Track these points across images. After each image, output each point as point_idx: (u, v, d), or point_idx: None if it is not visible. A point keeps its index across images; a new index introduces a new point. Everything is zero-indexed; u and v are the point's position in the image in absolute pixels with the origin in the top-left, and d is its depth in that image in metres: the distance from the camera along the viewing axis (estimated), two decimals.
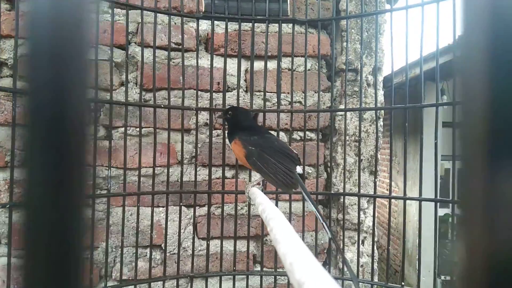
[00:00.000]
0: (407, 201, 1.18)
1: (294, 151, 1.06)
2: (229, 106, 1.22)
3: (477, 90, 0.14)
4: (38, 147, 0.17)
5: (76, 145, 0.17)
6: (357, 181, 1.33)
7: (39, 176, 0.17)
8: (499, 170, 0.13)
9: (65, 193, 0.17)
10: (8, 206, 0.94)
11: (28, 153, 0.17)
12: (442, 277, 3.71)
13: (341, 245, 1.35)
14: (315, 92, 1.45)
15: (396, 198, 1.22)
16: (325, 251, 1.46)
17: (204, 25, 1.40)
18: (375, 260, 1.25)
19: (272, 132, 1.21)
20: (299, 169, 1.04)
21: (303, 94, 1.34)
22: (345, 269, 1.36)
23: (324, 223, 0.99)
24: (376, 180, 1.25)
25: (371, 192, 1.41)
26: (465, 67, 0.15)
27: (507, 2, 0.14)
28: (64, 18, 0.17)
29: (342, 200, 1.39)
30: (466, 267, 0.14)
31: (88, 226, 0.18)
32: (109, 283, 1.21)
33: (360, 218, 1.27)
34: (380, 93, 1.45)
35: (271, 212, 0.52)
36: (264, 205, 0.61)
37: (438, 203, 1.12)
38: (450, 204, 1.12)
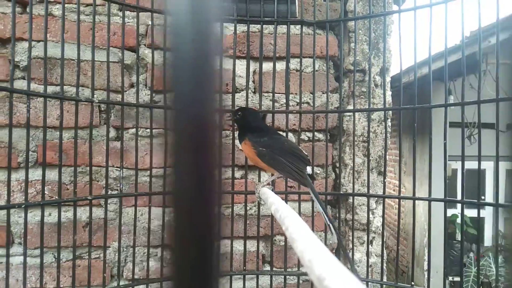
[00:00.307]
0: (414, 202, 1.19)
1: (304, 151, 1.07)
2: (238, 107, 1.23)
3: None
4: (184, 151, 0.19)
5: (214, 147, 0.19)
6: (366, 181, 1.33)
7: (185, 176, 0.18)
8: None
9: (206, 190, 0.19)
10: (23, 206, 0.96)
11: (176, 157, 0.19)
12: (450, 278, 3.70)
13: (350, 245, 1.36)
14: (323, 93, 1.46)
15: (405, 198, 1.22)
16: (334, 251, 1.47)
17: None
18: (384, 260, 1.26)
19: (281, 133, 1.22)
20: (308, 170, 1.05)
21: (311, 95, 1.35)
22: (356, 268, 1.37)
23: (330, 225, 1.00)
24: (385, 180, 1.25)
25: (380, 193, 1.41)
26: None
27: None
28: (202, 31, 0.19)
29: (350, 200, 1.40)
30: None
31: (223, 219, 0.20)
32: (121, 282, 1.22)
33: (369, 219, 1.28)
34: (388, 93, 1.46)
35: (285, 211, 0.53)
36: (277, 205, 0.62)
37: (447, 204, 1.12)
38: (459, 205, 1.12)
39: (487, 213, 4.25)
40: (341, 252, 1.45)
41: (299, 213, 1.28)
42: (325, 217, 1.00)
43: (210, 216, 0.19)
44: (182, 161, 0.19)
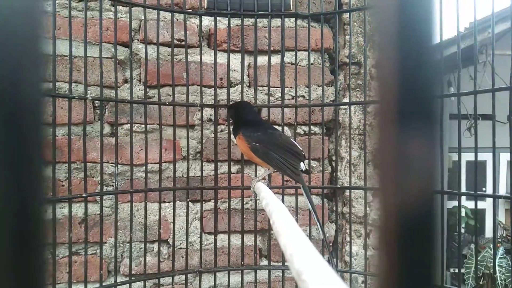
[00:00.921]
0: None
1: (299, 146, 1.07)
2: (233, 102, 1.23)
3: (390, 67, 0.17)
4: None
5: (32, 142, 0.17)
6: (362, 174, 1.33)
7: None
8: (406, 132, 0.16)
9: (22, 193, 0.17)
10: None
11: None
12: (451, 270, 3.70)
13: (347, 239, 1.35)
14: (319, 86, 1.45)
15: None
16: (331, 244, 1.47)
17: (207, 21, 1.41)
18: None
19: (276, 127, 1.22)
20: (302, 166, 1.05)
21: (307, 88, 1.34)
22: (353, 262, 1.37)
23: (318, 223, 1.01)
24: None
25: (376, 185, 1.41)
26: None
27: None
28: (13, 10, 0.17)
29: (347, 193, 1.39)
30: (382, 220, 0.16)
31: (47, 227, 0.18)
32: (118, 278, 1.22)
33: (366, 211, 1.27)
34: None
35: (274, 206, 0.53)
36: (268, 199, 0.62)
37: (445, 196, 1.12)
38: (458, 196, 1.12)
39: (487, 204, 4.25)
40: (339, 245, 1.45)
41: (296, 207, 1.28)
42: (315, 215, 1.01)
43: (28, 228, 0.17)
44: None
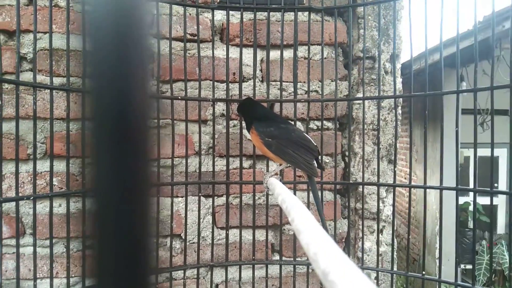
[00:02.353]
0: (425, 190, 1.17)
1: (313, 141, 1.06)
2: (244, 97, 1.22)
3: None
4: (105, 142, 0.17)
5: (140, 138, 0.17)
6: (375, 170, 1.32)
7: (107, 170, 0.17)
8: None
9: (133, 184, 0.17)
10: (32, 198, 0.96)
11: (95, 148, 0.17)
12: (462, 266, 3.68)
13: (360, 234, 1.35)
14: (332, 81, 1.43)
15: (416, 187, 1.20)
16: (344, 240, 1.46)
17: (219, 15, 1.40)
18: (394, 249, 1.25)
19: (290, 122, 1.21)
20: (314, 162, 1.04)
21: (320, 83, 1.33)
22: (365, 258, 1.36)
23: (322, 221, 1.01)
24: (395, 169, 1.23)
25: (390, 181, 1.39)
26: None
27: None
28: (125, 14, 0.17)
29: (360, 189, 1.38)
30: None
31: (154, 215, 0.19)
32: None
33: (379, 207, 1.26)
34: (399, 80, 1.43)
35: (291, 202, 0.52)
36: (284, 195, 0.61)
37: (458, 192, 1.10)
38: (471, 193, 1.10)
39: (500, 200, 4.20)
40: (351, 241, 1.44)
41: (308, 203, 1.27)
42: (321, 217, 1.01)
43: (136, 214, 0.18)
44: (105, 154, 0.17)
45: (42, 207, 1.27)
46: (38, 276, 1.25)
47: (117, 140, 0.17)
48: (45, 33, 1.29)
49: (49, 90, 1.02)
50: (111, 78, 0.17)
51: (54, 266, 1.26)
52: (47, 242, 1.28)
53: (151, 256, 0.19)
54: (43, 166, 1.29)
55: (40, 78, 1.28)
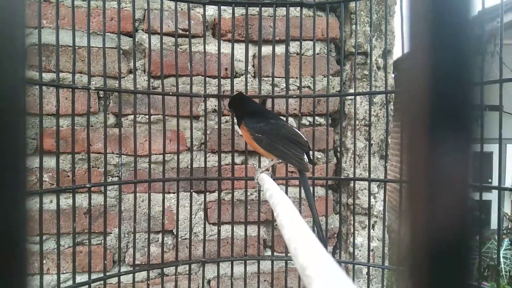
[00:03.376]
0: None
1: (304, 136, 1.06)
2: (235, 93, 1.22)
3: (421, 80, 0.14)
4: None
5: (12, 134, 0.16)
6: (367, 165, 1.32)
7: None
8: (439, 144, 0.13)
9: (5, 185, 0.16)
10: None
11: None
12: None
13: (352, 230, 1.35)
14: (324, 77, 1.43)
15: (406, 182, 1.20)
16: (335, 235, 1.47)
17: (211, 10, 1.39)
18: (386, 245, 1.25)
19: (281, 117, 1.21)
20: (306, 157, 1.04)
21: (312, 78, 1.33)
22: (356, 253, 1.37)
23: (313, 217, 1.01)
24: (386, 164, 1.24)
25: (382, 177, 1.40)
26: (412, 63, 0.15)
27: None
28: None
29: (352, 185, 1.39)
30: (411, 242, 0.14)
31: (28, 220, 0.17)
32: (123, 268, 1.23)
33: (371, 203, 1.27)
34: (391, 76, 1.43)
35: (278, 198, 0.52)
36: (272, 191, 0.61)
37: None
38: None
39: (493, 196, 4.23)
40: (343, 237, 1.45)
41: (300, 198, 1.28)
42: (313, 212, 1.01)
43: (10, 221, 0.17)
44: None
45: (33, 203, 1.27)
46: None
47: None
48: (35, 28, 1.28)
49: (38, 86, 1.01)
50: None
51: (45, 262, 1.26)
52: (38, 239, 1.27)
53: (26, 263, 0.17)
54: (33, 162, 1.28)
55: (30, 74, 1.27)
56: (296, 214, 0.42)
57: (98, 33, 1.31)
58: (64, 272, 1.27)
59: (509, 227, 4.09)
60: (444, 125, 0.13)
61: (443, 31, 0.14)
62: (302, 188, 1.27)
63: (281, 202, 0.49)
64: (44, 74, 1.18)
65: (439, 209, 0.13)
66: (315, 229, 1.05)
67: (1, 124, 0.16)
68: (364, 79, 1.42)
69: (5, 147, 0.16)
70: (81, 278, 1.18)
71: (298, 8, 1.34)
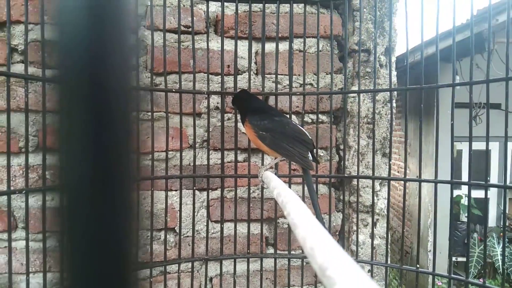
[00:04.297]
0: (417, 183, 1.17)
1: (308, 134, 1.05)
2: (239, 90, 1.21)
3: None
4: (77, 135, 0.16)
5: (120, 132, 0.17)
6: (370, 163, 1.32)
7: (81, 164, 0.17)
8: None
9: (111, 180, 0.17)
10: (24, 192, 0.95)
11: (66, 141, 0.17)
12: (454, 258, 3.72)
13: (354, 228, 1.35)
14: (327, 74, 1.43)
15: (411, 180, 1.20)
16: (338, 233, 1.46)
17: (214, 7, 1.38)
18: (388, 242, 1.25)
19: (284, 114, 1.20)
20: (310, 155, 1.04)
21: (315, 76, 1.32)
22: (359, 251, 1.37)
23: (316, 214, 1.01)
24: (390, 162, 1.23)
25: (384, 174, 1.40)
26: None
27: None
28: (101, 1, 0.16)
29: (354, 182, 1.38)
30: None
31: (134, 212, 0.18)
32: None
33: (374, 201, 1.26)
34: (394, 73, 1.43)
35: (287, 196, 0.52)
36: (279, 189, 0.61)
37: (453, 186, 1.10)
38: (463, 186, 1.11)
39: (491, 194, 4.24)
40: (345, 234, 1.45)
41: (303, 196, 1.27)
42: (316, 210, 1.00)
43: (116, 210, 0.17)
44: (77, 147, 0.16)
45: (35, 200, 1.26)
46: (30, 271, 1.24)
47: (91, 132, 0.17)
48: (36, 24, 1.27)
49: (41, 82, 1.00)
50: (84, 68, 0.17)
51: (47, 260, 1.25)
52: (40, 236, 1.27)
53: (133, 255, 0.18)
54: (35, 159, 1.27)
55: (32, 70, 1.26)
56: (308, 212, 0.42)
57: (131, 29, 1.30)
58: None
59: (507, 224, 4.11)
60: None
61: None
62: (305, 186, 1.27)
63: (291, 200, 0.48)
64: (46, 71, 1.17)
65: None
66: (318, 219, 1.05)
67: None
68: (366, 77, 1.42)
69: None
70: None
71: (302, 5, 1.33)
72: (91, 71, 0.16)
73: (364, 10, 1.41)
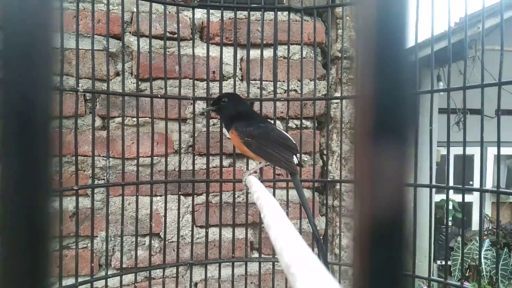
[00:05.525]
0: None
1: (292, 139, 1.07)
2: (223, 93, 1.22)
3: (367, 86, 0.17)
4: (10, 140, 0.17)
5: (41, 137, 0.18)
6: (353, 168, 1.33)
7: (11, 169, 0.17)
8: (382, 150, 0.17)
9: (31, 186, 0.17)
10: None
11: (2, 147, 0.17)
12: (438, 262, 3.76)
13: (338, 231, 1.37)
14: (311, 80, 1.45)
15: None
16: (321, 237, 1.48)
17: (199, 13, 1.40)
18: None
19: (269, 120, 1.22)
20: (295, 159, 1.06)
21: (299, 82, 1.34)
22: (342, 254, 1.39)
23: (308, 218, 1.02)
24: None
25: None
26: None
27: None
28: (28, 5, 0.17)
29: (338, 187, 1.41)
30: (357, 226, 0.18)
31: (54, 218, 0.19)
32: (109, 272, 1.23)
33: None
34: None
35: (265, 200, 0.53)
36: (259, 193, 0.62)
37: (433, 189, 1.13)
38: (446, 190, 1.14)
39: (474, 198, 4.31)
40: (329, 238, 1.47)
41: (288, 200, 1.29)
42: (306, 210, 1.02)
43: (38, 218, 0.18)
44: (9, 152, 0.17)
45: None
46: None
47: (20, 138, 0.17)
48: None
49: None
50: (16, 72, 0.17)
51: None
52: None
53: (49, 261, 0.19)
54: None
55: None
56: (282, 215, 0.43)
57: (85, 35, 1.31)
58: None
59: (490, 228, 4.18)
60: (384, 135, 0.17)
61: (385, 58, 0.17)
62: (290, 190, 1.29)
63: (268, 203, 0.50)
64: None
65: (380, 199, 0.17)
66: (312, 230, 1.06)
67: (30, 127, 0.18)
68: (349, 83, 1.45)
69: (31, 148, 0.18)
70: (67, 281, 1.18)
71: (286, 13, 1.36)
72: (21, 76, 0.17)
73: (347, 18, 1.44)
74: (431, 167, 1.15)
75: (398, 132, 0.17)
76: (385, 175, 0.17)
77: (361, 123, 0.17)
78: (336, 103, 1.43)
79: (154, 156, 1.26)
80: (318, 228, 1.45)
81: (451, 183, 1.12)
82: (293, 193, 1.40)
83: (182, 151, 1.37)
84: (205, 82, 1.25)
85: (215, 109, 1.10)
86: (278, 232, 0.36)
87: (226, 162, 1.42)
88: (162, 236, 1.28)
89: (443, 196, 4.44)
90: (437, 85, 3.38)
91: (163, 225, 1.26)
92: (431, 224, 1.14)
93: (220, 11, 1.26)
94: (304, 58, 1.40)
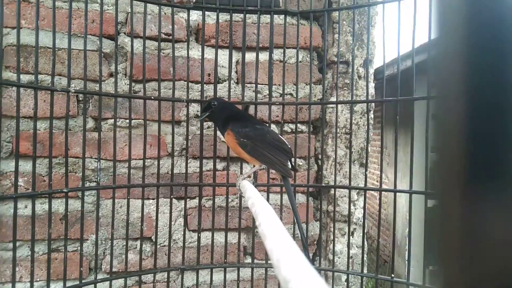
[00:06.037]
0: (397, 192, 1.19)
1: (287, 143, 1.06)
2: (210, 98, 1.21)
3: (452, 104, 0.13)
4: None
5: None
6: (348, 173, 1.33)
7: None
8: (478, 198, 0.11)
9: None
10: None
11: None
12: (431, 267, 3.77)
13: (331, 237, 1.36)
14: (306, 84, 1.44)
15: (386, 190, 1.22)
16: (315, 242, 1.47)
17: (195, 15, 1.38)
18: (365, 252, 1.26)
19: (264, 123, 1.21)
20: (289, 163, 1.04)
21: (295, 86, 1.33)
22: (336, 260, 1.37)
23: (298, 224, 1.01)
24: (366, 172, 1.25)
25: (361, 184, 1.41)
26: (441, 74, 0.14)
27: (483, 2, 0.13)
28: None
29: (332, 192, 1.40)
30: None
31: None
32: (99, 276, 1.20)
33: (350, 210, 1.28)
34: (371, 85, 1.45)
35: (260, 207, 0.52)
36: (253, 199, 0.61)
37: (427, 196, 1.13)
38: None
39: None
40: (323, 243, 1.46)
41: (281, 205, 1.28)
42: (297, 218, 1.00)
43: None
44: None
45: (7, 208, 1.23)
46: (0, 281, 1.21)
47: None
48: (13, 28, 1.25)
49: (16, 88, 0.98)
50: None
51: (18, 270, 1.22)
52: (11, 245, 1.23)
53: None
54: (8, 166, 1.24)
55: (8, 75, 1.23)
56: (278, 224, 0.42)
57: (79, 35, 1.29)
58: (38, 279, 1.23)
59: None
60: (483, 174, 0.11)
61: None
62: (283, 195, 1.27)
63: (263, 211, 0.48)
64: (22, 76, 1.15)
65: (480, 273, 0.10)
66: (300, 235, 1.05)
67: None
68: (345, 88, 1.44)
69: None
70: (55, 286, 1.15)
71: (282, 16, 1.35)
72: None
73: (344, 22, 1.44)
74: (427, 174, 1.14)
75: (504, 173, 0.11)
76: (486, 235, 0.10)
77: (447, 159, 0.11)
78: (332, 107, 1.42)
79: (147, 158, 1.24)
80: (312, 233, 1.44)
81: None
82: (287, 198, 1.39)
83: (175, 154, 1.35)
84: (200, 84, 1.24)
85: (209, 114, 1.08)
86: (274, 242, 0.35)
87: (220, 165, 1.40)
88: (154, 240, 1.26)
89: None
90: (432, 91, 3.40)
91: (154, 229, 1.24)
92: (426, 231, 1.13)
93: (215, 13, 1.24)
94: (300, 62, 1.39)
